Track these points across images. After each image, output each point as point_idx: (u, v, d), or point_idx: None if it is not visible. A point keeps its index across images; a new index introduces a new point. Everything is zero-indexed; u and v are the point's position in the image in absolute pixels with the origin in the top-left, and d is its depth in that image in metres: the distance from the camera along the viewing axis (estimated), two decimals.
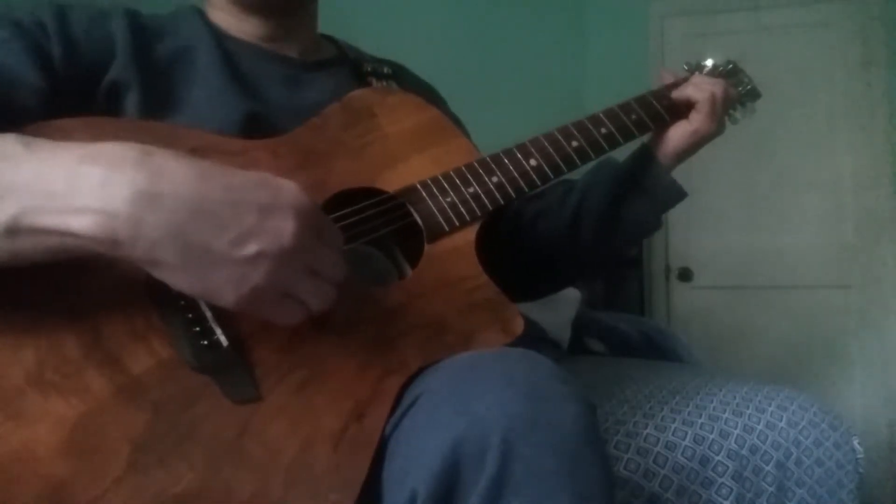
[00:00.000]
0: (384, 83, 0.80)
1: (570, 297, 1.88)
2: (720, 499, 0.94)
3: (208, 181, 0.45)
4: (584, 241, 0.81)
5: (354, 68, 0.80)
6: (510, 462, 0.42)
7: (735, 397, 1.10)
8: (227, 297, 0.45)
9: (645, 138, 0.81)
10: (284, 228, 0.45)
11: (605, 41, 2.70)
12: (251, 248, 0.44)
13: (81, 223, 0.42)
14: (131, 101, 0.62)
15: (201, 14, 0.74)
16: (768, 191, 2.45)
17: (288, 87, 0.72)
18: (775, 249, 2.43)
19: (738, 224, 2.47)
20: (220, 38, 0.71)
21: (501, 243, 0.80)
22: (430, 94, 0.83)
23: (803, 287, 2.41)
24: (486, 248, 0.67)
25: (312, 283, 0.48)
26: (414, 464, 0.45)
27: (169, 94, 0.65)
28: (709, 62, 0.89)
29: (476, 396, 0.45)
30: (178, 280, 0.45)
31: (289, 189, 0.47)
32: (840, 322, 2.37)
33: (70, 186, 0.42)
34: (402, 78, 0.84)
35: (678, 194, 0.81)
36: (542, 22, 2.59)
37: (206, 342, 0.51)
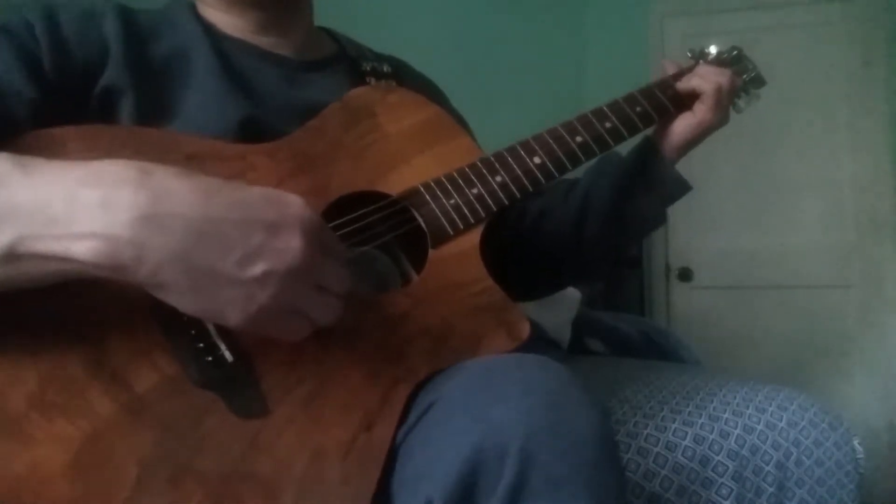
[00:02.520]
0: (383, 83, 0.78)
1: (570, 297, 1.88)
2: (720, 499, 0.94)
3: (211, 199, 0.44)
4: (588, 238, 0.80)
5: (353, 67, 0.78)
6: (528, 470, 0.42)
7: (735, 397, 1.10)
8: (234, 317, 0.45)
9: (648, 131, 0.79)
10: (291, 246, 0.44)
11: (605, 41, 2.70)
12: (258, 268, 0.44)
13: (82, 249, 0.41)
14: (125, 106, 0.60)
15: (193, 9, 0.71)
16: (768, 191, 2.45)
17: (285, 89, 0.70)
18: (775, 249, 2.42)
19: (739, 224, 2.47)
20: (214, 37, 0.69)
21: (504, 243, 0.79)
22: (431, 92, 0.82)
23: (803, 287, 2.41)
24: (488, 248, 0.66)
25: (319, 298, 0.47)
26: (429, 471, 0.45)
27: (164, 100, 0.63)
28: (713, 49, 0.87)
29: (494, 404, 0.45)
30: (184, 302, 0.44)
31: (295, 204, 0.46)
32: (840, 322, 2.37)
33: (69, 211, 0.41)
34: (403, 76, 0.82)
35: (683, 187, 0.79)
36: (542, 21, 2.59)
37: (210, 358, 0.50)
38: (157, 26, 0.67)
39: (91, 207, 0.41)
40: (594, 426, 0.45)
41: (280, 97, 0.69)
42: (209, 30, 0.70)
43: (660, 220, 0.80)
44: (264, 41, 0.72)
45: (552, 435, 0.43)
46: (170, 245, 0.42)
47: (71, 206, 0.41)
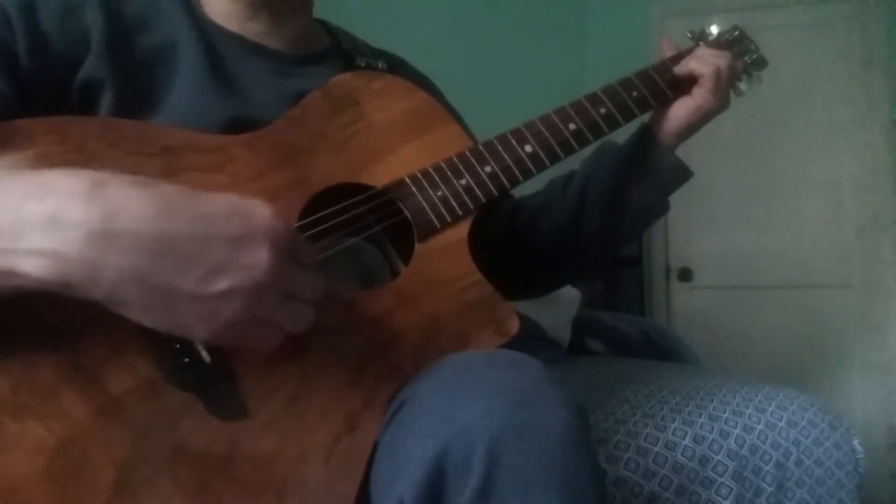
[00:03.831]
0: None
1: (570, 297, 1.88)
2: (720, 498, 0.94)
3: (170, 213, 0.41)
4: (588, 231, 0.77)
5: (347, 62, 0.76)
6: (496, 471, 0.41)
7: (735, 397, 1.10)
8: (200, 333, 0.43)
9: (645, 117, 0.77)
10: (257, 261, 0.42)
11: (605, 41, 2.70)
12: (221, 285, 0.42)
13: (30, 266, 0.39)
14: (105, 100, 0.58)
15: None
16: (768, 191, 2.45)
17: (273, 85, 0.67)
18: (775, 249, 2.42)
19: (739, 224, 2.47)
20: (204, 29, 0.66)
21: (500, 239, 0.78)
22: (428, 90, 0.78)
23: (803, 287, 2.41)
24: (484, 244, 0.64)
25: (289, 308, 0.46)
26: (400, 471, 0.44)
27: (146, 95, 0.60)
28: (713, 29, 0.83)
29: (462, 404, 0.44)
30: (146, 319, 0.43)
31: (260, 215, 0.44)
32: (840, 322, 2.36)
33: (17, 226, 0.39)
34: (399, 73, 0.79)
35: (683, 174, 0.77)
36: (542, 22, 2.59)
37: (187, 359, 0.48)
38: (145, 17, 0.64)
39: (39, 223, 0.39)
40: (566, 426, 0.43)
41: (268, 93, 0.66)
42: (199, 21, 0.66)
43: (661, 208, 0.78)
44: (257, 30, 0.69)
45: (520, 436, 0.42)
46: (124, 264, 0.40)
47: (19, 220, 0.40)
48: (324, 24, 0.81)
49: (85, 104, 0.58)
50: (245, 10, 0.69)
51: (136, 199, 0.41)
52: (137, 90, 0.60)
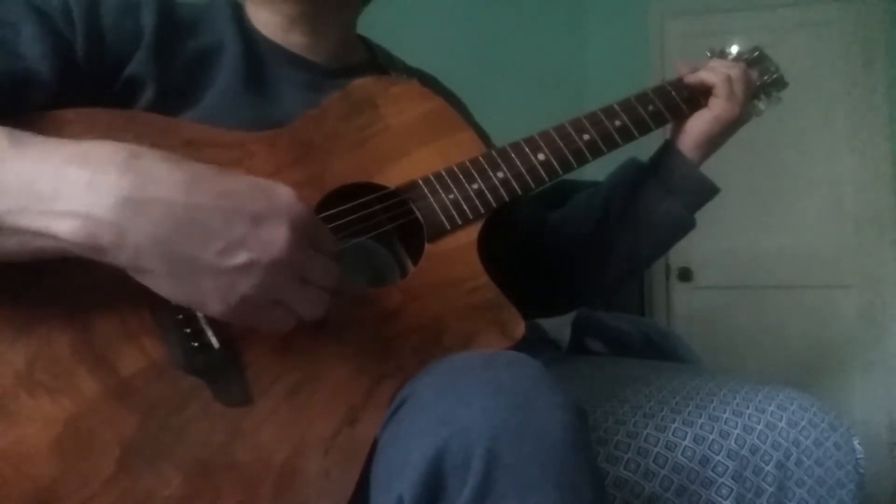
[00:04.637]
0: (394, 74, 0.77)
1: None
2: (720, 499, 0.94)
3: (198, 186, 0.44)
4: (611, 244, 0.77)
5: None
6: (494, 471, 0.41)
7: (735, 397, 1.10)
8: (214, 306, 0.45)
9: (660, 131, 0.77)
10: (277, 238, 0.44)
11: (605, 41, 2.70)
12: (240, 259, 0.43)
13: (63, 227, 0.41)
14: (145, 98, 0.60)
15: (234, 8, 0.71)
16: (769, 191, 2.46)
17: (308, 96, 0.68)
18: (776, 249, 2.43)
19: (739, 224, 2.47)
20: (248, 38, 0.69)
21: (524, 252, 0.78)
22: (458, 108, 0.79)
23: (803, 287, 2.41)
24: (506, 259, 0.65)
25: (304, 291, 0.47)
26: (399, 470, 0.45)
27: (185, 95, 0.62)
28: (733, 49, 0.85)
29: (461, 404, 0.44)
30: (163, 288, 0.44)
31: (283, 195, 0.45)
32: (840, 322, 2.37)
33: (55, 189, 0.42)
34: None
35: (710, 190, 0.77)
36: (542, 22, 2.59)
37: (196, 344, 0.50)
38: (195, 21, 0.66)
39: (76, 187, 0.41)
40: (564, 427, 0.44)
41: (297, 103, 0.67)
42: (245, 30, 0.69)
43: (687, 224, 0.78)
44: (297, 42, 0.71)
45: (518, 437, 0.42)
46: (150, 230, 0.42)
47: (57, 184, 0.42)
48: (364, 40, 0.82)
49: (126, 99, 0.60)
50: (285, 22, 0.71)
51: (167, 171, 0.43)
52: (177, 90, 0.62)
